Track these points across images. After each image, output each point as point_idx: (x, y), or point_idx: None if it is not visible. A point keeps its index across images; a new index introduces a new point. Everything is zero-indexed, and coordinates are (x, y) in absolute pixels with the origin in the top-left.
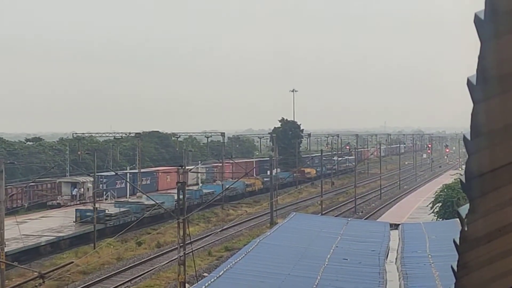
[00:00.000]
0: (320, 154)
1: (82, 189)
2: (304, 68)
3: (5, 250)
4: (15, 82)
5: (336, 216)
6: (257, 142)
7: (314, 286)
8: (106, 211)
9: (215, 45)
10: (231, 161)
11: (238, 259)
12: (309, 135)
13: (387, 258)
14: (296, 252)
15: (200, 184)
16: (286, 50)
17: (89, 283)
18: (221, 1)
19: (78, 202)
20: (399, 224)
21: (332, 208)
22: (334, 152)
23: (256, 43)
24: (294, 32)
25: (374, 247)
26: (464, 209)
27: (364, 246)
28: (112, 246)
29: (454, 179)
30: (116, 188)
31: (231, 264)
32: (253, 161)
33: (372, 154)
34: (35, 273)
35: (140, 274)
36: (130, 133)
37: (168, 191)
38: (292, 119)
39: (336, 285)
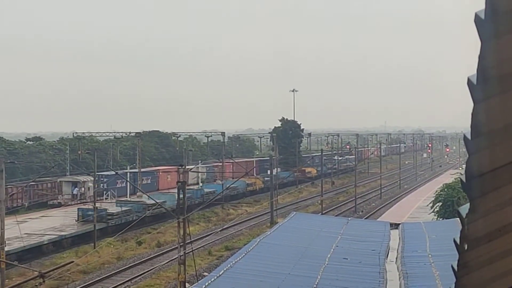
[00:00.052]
0: (320, 153)
1: (83, 189)
2: (304, 68)
3: (8, 249)
4: (15, 82)
5: (336, 216)
6: (257, 141)
7: (315, 286)
8: (108, 210)
9: (215, 45)
10: (231, 161)
11: (238, 259)
12: (309, 134)
13: (387, 257)
14: (296, 251)
15: (201, 184)
16: (286, 50)
17: (89, 282)
18: (221, 1)
19: (78, 202)
20: (399, 224)
21: (332, 208)
22: (335, 152)
23: (256, 43)
24: (294, 32)
25: (374, 246)
26: (464, 209)
27: (364, 245)
28: (112, 246)
29: (455, 179)
30: (116, 188)
31: (231, 263)
32: (253, 161)
33: (372, 153)
34: (35, 272)
35: (140, 273)
36: (130, 132)
37: (170, 191)
38: (293, 119)
39: (336, 284)
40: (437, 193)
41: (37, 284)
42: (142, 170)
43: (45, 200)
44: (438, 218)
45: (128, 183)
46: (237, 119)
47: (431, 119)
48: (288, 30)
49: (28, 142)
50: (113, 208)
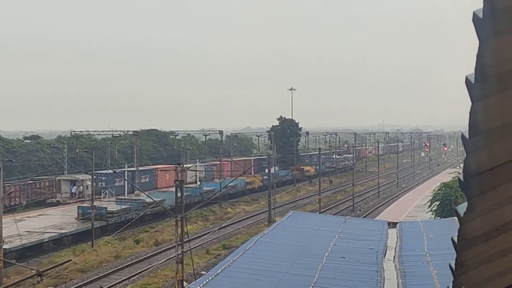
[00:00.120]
0: (318, 152)
1: (81, 187)
2: (304, 68)
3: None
4: (15, 82)
5: (334, 215)
6: (255, 140)
7: (312, 284)
8: (108, 208)
9: (215, 45)
10: (229, 159)
11: (236, 257)
12: (307, 133)
13: (385, 256)
14: (294, 250)
15: (199, 183)
16: (286, 50)
17: (87, 281)
18: (221, 1)
19: (77, 200)
20: (397, 223)
21: (330, 206)
22: (333, 150)
23: (256, 43)
24: (294, 32)
25: (372, 245)
26: (462, 208)
27: (362, 244)
28: (110, 244)
29: (452, 178)
30: (114, 186)
31: (229, 262)
32: (251, 159)
33: (370, 152)
34: (33, 270)
35: (138, 272)
36: (128, 131)
37: (169, 189)
38: (291, 118)
39: (334, 283)
40: (435, 192)
41: (35, 282)
42: (140, 168)
43: (43, 199)
44: (436, 217)
45: (126, 182)
46: (237, 119)
47: (431, 119)
48: (288, 30)
49: (26, 140)
50: (113, 206)
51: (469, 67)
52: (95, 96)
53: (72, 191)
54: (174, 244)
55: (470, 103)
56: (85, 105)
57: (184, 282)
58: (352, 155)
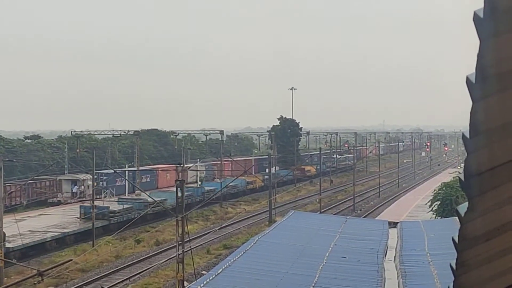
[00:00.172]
0: (318, 152)
1: (82, 187)
2: (304, 68)
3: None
4: (15, 82)
5: (334, 214)
6: (256, 140)
7: (313, 284)
8: (110, 208)
9: (215, 45)
10: (230, 159)
11: (236, 257)
12: (307, 133)
13: (385, 256)
14: (295, 250)
15: (199, 182)
16: (286, 50)
17: (88, 280)
18: (221, 1)
19: (78, 200)
20: (397, 222)
21: (330, 206)
22: (333, 150)
23: (256, 43)
24: (294, 32)
25: (372, 245)
26: (463, 207)
27: (362, 244)
28: (110, 244)
29: (453, 178)
30: (115, 186)
31: (229, 262)
32: (252, 159)
33: (371, 152)
34: (34, 270)
35: (138, 272)
36: (128, 131)
37: (170, 189)
38: (291, 117)
39: (335, 283)
40: (435, 191)
41: (35, 282)
42: (141, 168)
43: (43, 199)
44: (437, 217)
45: (127, 181)
46: (237, 118)
47: (431, 119)
48: (288, 30)
49: (27, 140)
50: (115, 206)
51: (469, 67)
52: (95, 96)
53: (73, 190)
54: (175, 244)
55: (470, 103)
56: (85, 105)
57: (185, 282)
58: (352, 155)
